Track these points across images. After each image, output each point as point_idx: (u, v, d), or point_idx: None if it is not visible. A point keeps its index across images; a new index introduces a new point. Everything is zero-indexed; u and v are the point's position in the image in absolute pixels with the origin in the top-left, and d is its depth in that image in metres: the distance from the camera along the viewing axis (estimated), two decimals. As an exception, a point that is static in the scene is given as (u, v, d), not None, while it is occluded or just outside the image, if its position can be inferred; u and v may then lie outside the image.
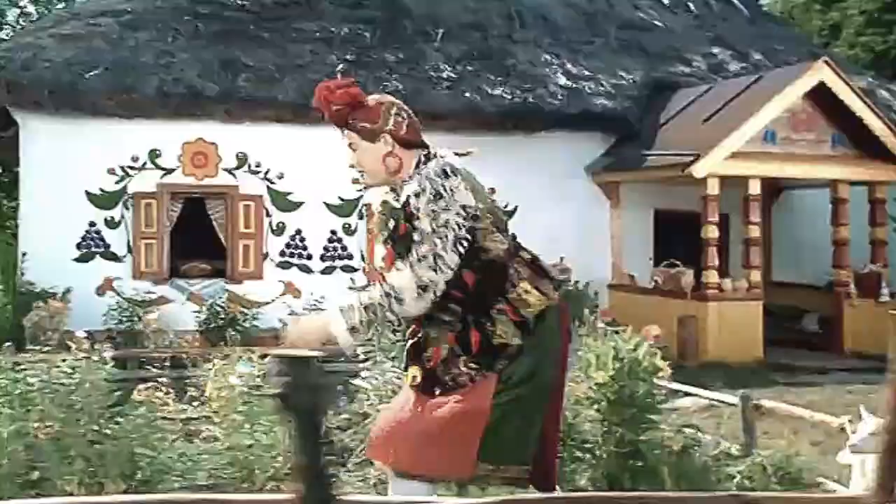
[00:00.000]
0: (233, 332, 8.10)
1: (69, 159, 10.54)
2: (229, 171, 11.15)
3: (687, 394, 6.63)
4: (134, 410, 4.49)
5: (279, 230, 11.29)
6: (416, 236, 2.94)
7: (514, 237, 3.18)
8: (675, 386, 6.01)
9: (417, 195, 2.96)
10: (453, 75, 12.01)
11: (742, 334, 10.75)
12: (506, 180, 12.04)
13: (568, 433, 4.98)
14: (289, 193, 11.31)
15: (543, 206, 12.07)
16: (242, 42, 11.46)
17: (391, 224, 3.10)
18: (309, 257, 11.39)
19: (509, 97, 11.92)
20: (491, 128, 11.81)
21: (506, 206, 12.12)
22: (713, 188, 10.81)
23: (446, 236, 2.91)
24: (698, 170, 10.55)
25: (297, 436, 2.01)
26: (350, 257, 11.52)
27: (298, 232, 11.35)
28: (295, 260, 11.35)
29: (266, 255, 11.26)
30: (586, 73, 12.98)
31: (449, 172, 2.99)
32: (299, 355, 2.02)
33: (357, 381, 6.06)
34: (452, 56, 12.46)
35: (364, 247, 11.55)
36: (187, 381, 6.44)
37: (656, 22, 14.94)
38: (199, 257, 11.35)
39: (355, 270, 11.49)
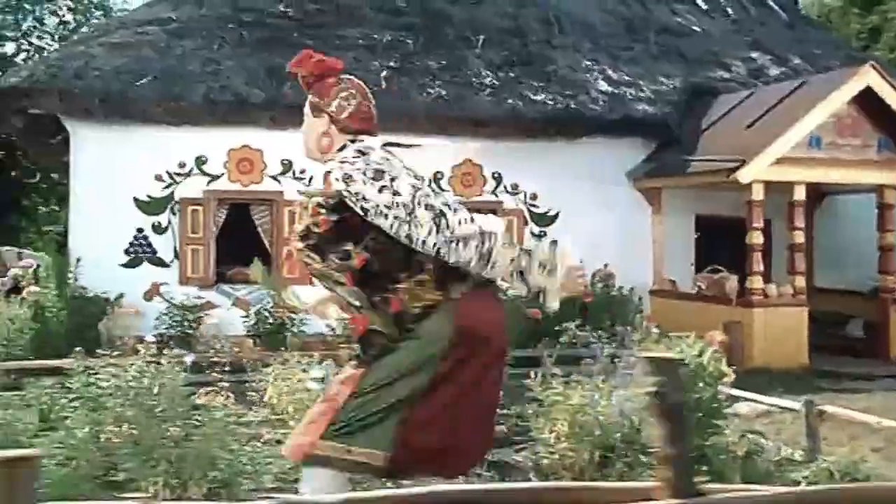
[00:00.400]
0: (293, 338, 8.18)
1: (118, 166, 10.68)
2: (274, 178, 11.26)
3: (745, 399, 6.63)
4: (209, 413, 4.56)
5: (323, 236, 11.36)
6: (398, 224, 2.84)
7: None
8: (735, 392, 6.01)
9: (347, 180, 2.86)
10: (496, 81, 12.06)
11: (787, 340, 10.71)
12: (547, 186, 12.15)
13: (634, 438, 5.01)
14: (333, 199, 11.37)
15: (585, 212, 12.09)
16: (286, 49, 11.50)
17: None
18: (352, 262, 11.45)
19: (552, 103, 11.95)
20: (533, 134, 11.86)
21: (547, 212, 12.19)
22: (758, 194, 10.78)
23: (427, 196, 2.85)
24: (744, 175, 10.53)
25: (669, 430, 2.27)
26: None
27: (343, 237, 11.42)
28: (339, 265, 11.41)
29: (310, 261, 11.32)
30: (626, 78, 12.99)
31: (365, 150, 2.95)
32: (669, 358, 2.26)
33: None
34: (493, 62, 12.51)
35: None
36: (247, 385, 6.52)
37: (694, 27, 14.92)
38: (243, 263, 11.44)
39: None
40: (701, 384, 4.99)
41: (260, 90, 10.84)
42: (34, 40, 23.46)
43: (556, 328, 9.83)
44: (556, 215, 12.28)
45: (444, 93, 11.54)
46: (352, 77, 3.20)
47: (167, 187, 10.96)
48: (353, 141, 3.05)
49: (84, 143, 10.73)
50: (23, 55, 23.12)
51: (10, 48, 23.18)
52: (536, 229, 12.23)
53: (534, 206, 12.20)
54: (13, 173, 20.66)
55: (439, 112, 11.38)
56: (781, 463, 5.34)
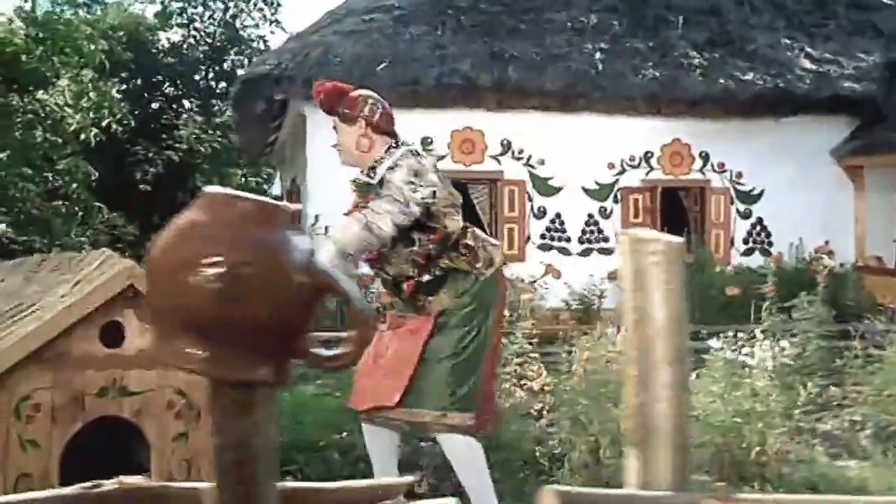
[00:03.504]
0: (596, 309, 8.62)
1: (350, 148, 11.23)
2: (494, 158, 11.70)
3: None
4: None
5: (540, 214, 11.79)
6: (391, 189, 3.53)
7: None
8: None
9: (392, 169, 3.61)
10: (703, 62, 12.23)
11: None
12: (753, 164, 12.32)
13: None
14: (549, 178, 11.79)
15: (789, 190, 12.22)
16: (503, 34, 11.97)
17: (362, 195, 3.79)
18: (567, 240, 11.87)
19: (761, 83, 12.07)
20: (742, 113, 12.03)
21: (752, 190, 12.36)
22: (984, 170, 10.77)
23: (415, 194, 3.50)
24: (971, 152, 10.54)
25: None
26: (606, 240, 11.93)
27: (558, 216, 11.83)
28: (555, 242, 11.84)
29: (528, 238, 11.79)
30: (827, 56, 13.00)
31: (420, 152, 3.72)
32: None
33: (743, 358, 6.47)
34: (697, 42, 12.67)
35: (619, 229, 11.98)
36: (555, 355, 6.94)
37: (886, 0, 14.78)
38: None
39: (611, 252, 11.90)
40: None
41: (487, 73, 11.26)
42: (199, 25, 24.45)
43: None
44: (761, 193, 12.44)
45: (657, 74, 11.78)
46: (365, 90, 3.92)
47: (395, 168, 11.49)
48: (396, 143, 3.77)
49: (319, 128, 11.24)
50: (190, 40, 24.16)
51: (176, 37, 24.21)
52: (742, 207, 12.42)
53: (739, 184, 12.38)
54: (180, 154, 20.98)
55: (654, 93, 11.64)
56: None
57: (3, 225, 12.45)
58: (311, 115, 11.40)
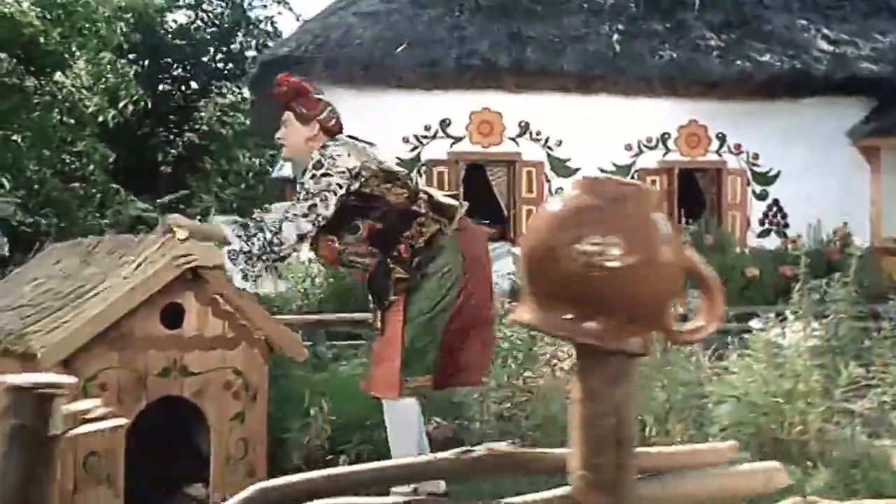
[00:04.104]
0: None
1: (370, 130, 11.19)
2: (512, 139, 11.73)
3: None
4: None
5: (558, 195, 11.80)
6: (300, 192, 3.66)
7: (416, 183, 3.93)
8: None
9: (306, 172, 3.73)
10: (720, 43, 12.22)
11: None
12: (769, 146, 12.32)
13: None
14: (567, 160, 11.81)
15: (805, 171, 12.22)
16: (519, 15, 11.95)
17: None
18: (585, 222, 11.88)
19: (778, 64, 12.07)
20: (759, 95, 12.03)
21: (769, 171, 12.38)
22: None
23: (326, 197, 3.61)
24: None
25: None
26: (623, 221, 11.94)
27: (573, 197, 11.84)
28: (572, 224, 11.85)
29: (545, 220, 11.80)
30: (843, 37, 12.99)
31: (329, 144, 3.77)
32: None
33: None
34: (713, 24, 12.66)
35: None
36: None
37: (902, -17, 14.72)
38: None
39: (628, 234, 11.92)
40: None
41: (506, 55, 11.27)
42: (206, 7, 24.37)
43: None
44: (777, 175, 12.45)
45: (674, 55, 11.78)
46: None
47: (413, 150, 11.53)
48: (332, 139, 3.86)
49: (340, 109, 11.30)
50: (198, 23, 24.10)
51: (183, 18, 24.13)
52: (758, 189, 12.45)
53: (756, 165, 12.40)
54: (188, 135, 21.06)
55: (671, 74, 11.65)
56: None
57: (13, 207, 12.47)
58: (331, 97, 11.39)
